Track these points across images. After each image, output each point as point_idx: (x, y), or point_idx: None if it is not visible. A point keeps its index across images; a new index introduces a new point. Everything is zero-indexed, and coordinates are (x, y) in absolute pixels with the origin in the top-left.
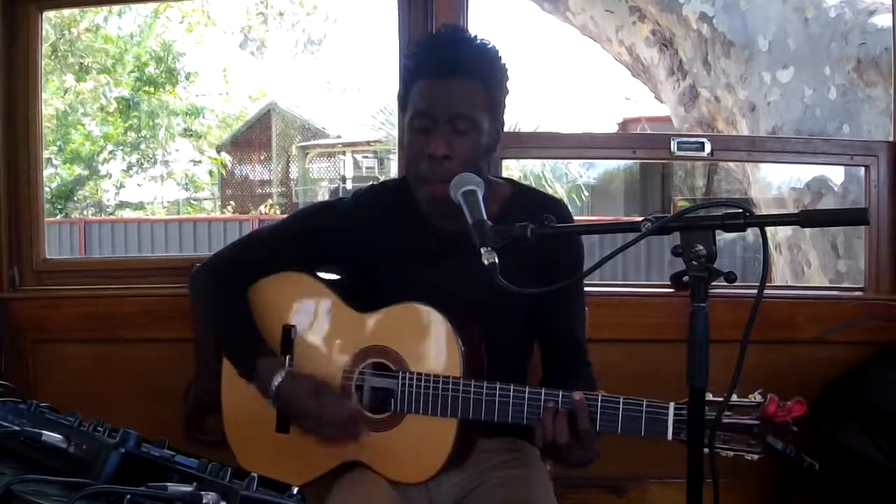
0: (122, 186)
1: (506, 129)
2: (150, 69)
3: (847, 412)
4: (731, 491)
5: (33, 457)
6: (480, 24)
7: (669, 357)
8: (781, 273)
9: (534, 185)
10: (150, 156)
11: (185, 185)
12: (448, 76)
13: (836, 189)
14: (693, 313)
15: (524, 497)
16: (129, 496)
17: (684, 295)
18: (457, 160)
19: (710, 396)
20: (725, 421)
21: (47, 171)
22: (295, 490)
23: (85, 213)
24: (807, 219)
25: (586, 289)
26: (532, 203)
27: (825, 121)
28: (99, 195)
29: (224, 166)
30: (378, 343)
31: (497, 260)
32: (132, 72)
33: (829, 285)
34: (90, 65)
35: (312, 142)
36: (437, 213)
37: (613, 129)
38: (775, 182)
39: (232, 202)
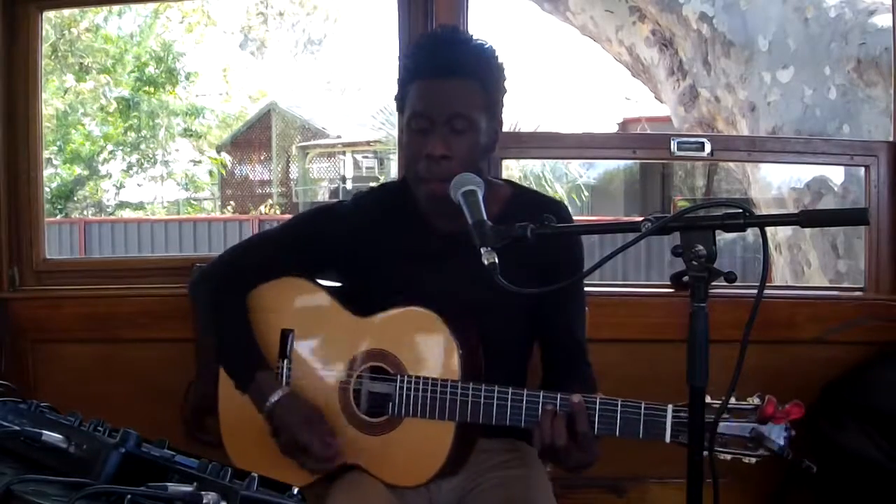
0: (122, 186)
1: (506, 129)
2: (150, 69)
3: (847, 412)
4: (730, 491)
5: (33, 457)
6: (480, 24)
7: (669, 357)
8: (781, 273)
9: (534, 185)
10: (150, 156)
11: (185, 185)
12: (445, 76)
13: (836, 189)
14: (693, 313)
15: (524, 497)
16: (129, 496)
17: (684, 295)
18: (455, 160)
19: (708, 399)
20: (723, 424)
21: (47, 171)
22: (295, 490)
23: (85, 213)
24: (807, 219)
25: (586, 289)
26: (532, 204)
27: (825, 121)
28: (99, 195)
29: (224, 166)
30: (376, 346)
31: (497, 260)
32: (132, 72)
33: (829, 285)
34: (90, 65)
35: (312, 142)
36: (436, 213)
37: (613, 129)
38: (775, 182)
39: (232, 202)
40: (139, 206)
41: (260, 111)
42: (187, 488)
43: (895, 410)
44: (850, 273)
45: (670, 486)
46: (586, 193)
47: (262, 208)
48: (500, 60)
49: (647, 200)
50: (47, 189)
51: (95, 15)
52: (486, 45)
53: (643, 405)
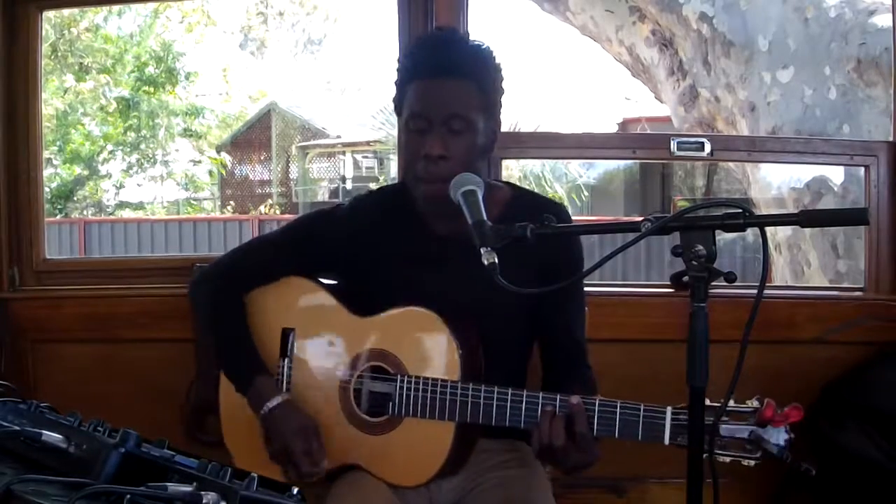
0: (121, 186)
1: (506, 129)
2: (150, 69)
3: (847, 412)
4: (730, 491)
5: (33, 457)
6: (480, 24)
7: (669, 357)
8: (781, 273)
9: (534, 185)
10: (150, 156)
11: (184, 185)
12: (442, 77)
13: (836, 189)
14: (693, 313)
15: (523, 497)
16: (129, 496)
17: (684, 295)
18: (452, 160)
19: (707, 402)
20: (722, 426)
21: (47, 171)
22: (295, 490)
23: (85, 213)
24: (807, 219)
25: (586, 289)
26: (532, 206)
27: (825, 121)
28: (99, 195)
29: (224, 166)
30: (376, 346)
31: (497, 260)
32: (132, 72)
33: (829, 285)
34: (90, 65)
35: (312, 142)
36: (434, 214)
37: (613, 129)
38: (775, 182)
39: (232, 202)
40: (139, 206)
41: (260, 111)
42: (187, 488)
43: (895, 410)
44: (850, 273)
45: (670, 486)
46: (586, 193)
47: (262, 208)
48: (497, 61)
49: (647, 200)
50: (47, 189)
51: (95, 15)
52: (484, 46)
53: (642, 407)
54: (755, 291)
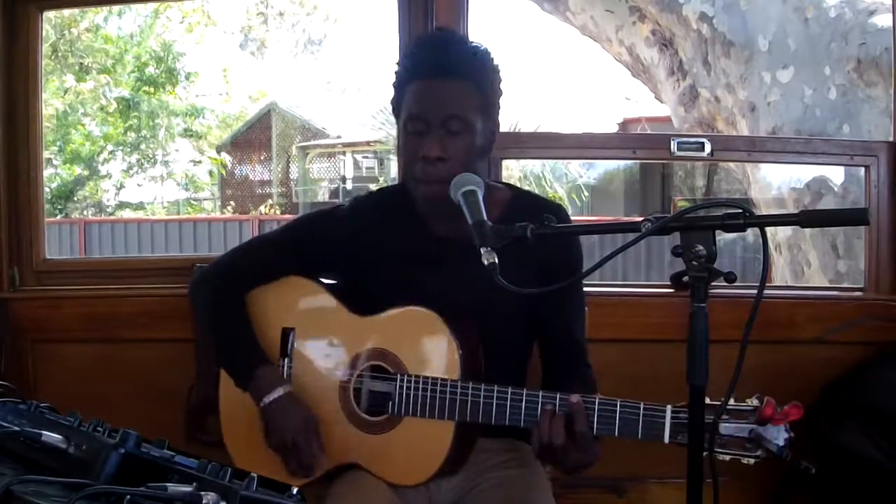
0: (122, 187)
1: (506, 129)
2: (150, 69)
3: (847, 412)
4: (730, 490)
5: (33, 457)
6: (481, 24)
7: (669, 357)
8: (781, 273)
9: (534, 185)
10: (150, 156)
11: (185, 185)
12: (439, 78)
13: (836, 189)
14: (693, 313)
15: (523, 497)
16: (128, 496)
17: (684, 295)
18: (451, 161)
19: (707, 400)
20: (722, 425)
21: (47, 171)
22: (295, 490)
23: (85, 213)
24: (807, 219)
25: (586, 289)
26: (532, 207)
27: (825, 121)
28: (99, 195)
29: (224, 166)
30: (376, 346)
31: (497, 260)
32: (132, 72)
33: (829, 285)
34: (90, 65)
35: (312, 142)
36: (434, 215)
37: (613, 129)
38: (775, 182)
39: (232, 202)
40: (139, 207)
41: (260, 111)
42: (187, 488)
43: (895, 410)
44: (850, 273)
45: (670, 486)
46: (586, 194)
47: (262, 208)
48: (495, 62)
49: (647, 201)
50: (47, 189)
51: (95, 15)
52: (482, 47)
53: (642, 406)
54: (755, 291)
